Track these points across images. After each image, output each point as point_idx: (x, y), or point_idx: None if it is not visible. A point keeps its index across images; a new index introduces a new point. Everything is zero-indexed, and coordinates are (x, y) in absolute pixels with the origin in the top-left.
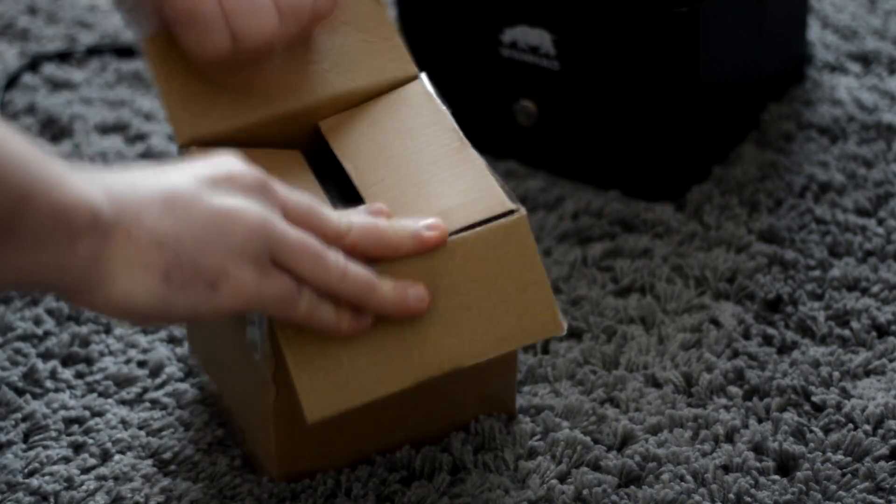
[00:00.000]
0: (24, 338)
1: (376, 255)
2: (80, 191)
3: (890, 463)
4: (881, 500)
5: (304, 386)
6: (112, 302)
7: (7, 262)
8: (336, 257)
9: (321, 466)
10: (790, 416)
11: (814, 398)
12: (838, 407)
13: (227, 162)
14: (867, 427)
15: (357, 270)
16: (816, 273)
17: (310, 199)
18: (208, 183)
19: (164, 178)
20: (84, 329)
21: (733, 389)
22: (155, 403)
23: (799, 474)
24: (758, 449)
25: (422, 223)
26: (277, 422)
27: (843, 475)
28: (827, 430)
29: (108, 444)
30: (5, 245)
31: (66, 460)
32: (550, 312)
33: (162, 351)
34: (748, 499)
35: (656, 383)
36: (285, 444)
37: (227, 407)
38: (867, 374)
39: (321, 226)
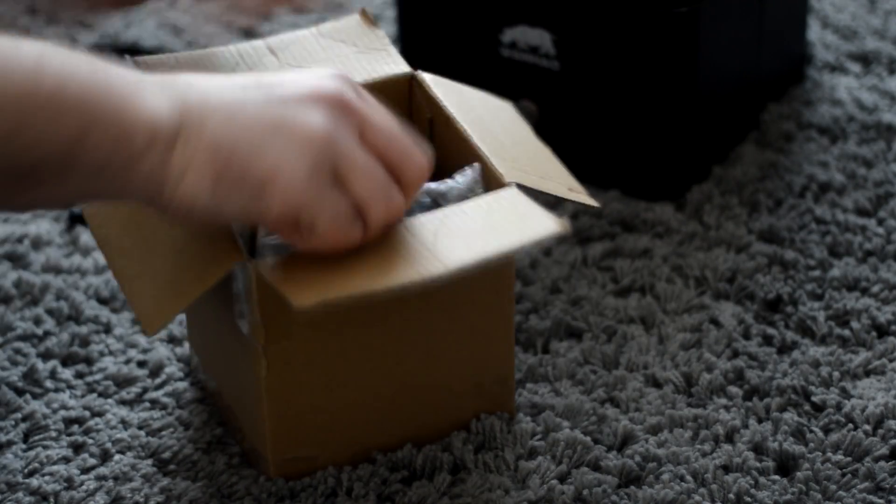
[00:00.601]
0: (24, 338)
1: None
2: (142, 110)
3: (890, 463)
4: (881, 500)
5: (286, 280)
6: (177, 201)
7: (66, 187)
8: (398, 197)
9: (317, 458)
10: (790, 416)
11: (814, 398)
12: (838, 407)
13: (315, 78)
14: (867, 427)
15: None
16: (816, 273)
17: (394, 124)
18: (283, 99)
19: (241, 92)
20: (84, 329)
21: (733, 389)
22: (155, 403)
23: (799, 474)
24: (758, 449)
25: None
26: (270, 400)
27: (843, 475)
28: (827, 430)
29: (108, 444)
30: (65, 174)
31: (66, 460)
32: (549, 219)
33: (162, 351)
34: (748, 499)
35: (656, 383)
36: (279, 425)
37: (226, 404)
38: (867, 374)
39: (399, 155)
